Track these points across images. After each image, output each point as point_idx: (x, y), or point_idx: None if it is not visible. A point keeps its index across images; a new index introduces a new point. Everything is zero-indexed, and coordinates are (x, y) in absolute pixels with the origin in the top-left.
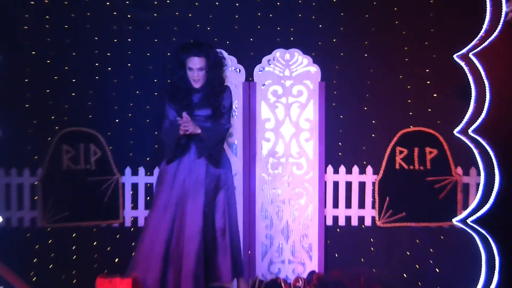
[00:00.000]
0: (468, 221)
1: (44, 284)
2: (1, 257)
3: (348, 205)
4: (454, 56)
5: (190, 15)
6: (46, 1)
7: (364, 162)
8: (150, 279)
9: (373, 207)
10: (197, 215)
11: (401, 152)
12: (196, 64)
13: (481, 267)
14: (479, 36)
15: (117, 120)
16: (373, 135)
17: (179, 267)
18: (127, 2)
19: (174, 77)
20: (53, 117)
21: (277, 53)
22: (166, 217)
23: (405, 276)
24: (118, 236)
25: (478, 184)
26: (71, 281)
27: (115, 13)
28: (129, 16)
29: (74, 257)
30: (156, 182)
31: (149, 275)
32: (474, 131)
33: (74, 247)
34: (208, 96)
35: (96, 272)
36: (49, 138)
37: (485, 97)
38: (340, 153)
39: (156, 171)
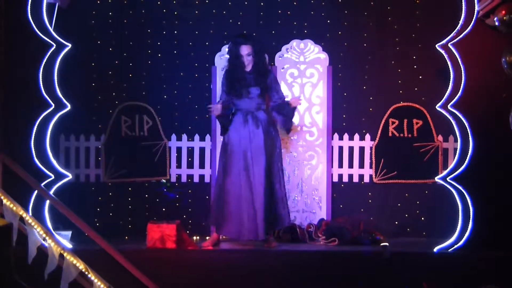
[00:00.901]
0: (448, 179)
1: (106, 229)
2: (72, 206)
3: (351, 165)
4: (436, 45)
5: (224, 12)
6: (109, 0)
7: (364, 131)
8: (233, 227)
9: (371, 167)
10: (261, 176)
11: (393, 123)
12: (244, 51)
13: (459, 216)
14: (456, 29)
15: (165, 96)
16: (370, 109)
17: (254, 216)
18: (174, 2)
19: (231, 62)
20: (114, 93)
21: (294, 42)
22: (241, 180)
23: (396, 223)
24: (165, 189)
25: (455, 149)
26: (127, 226)
27: (164, 10)
28: (175, 13)
29: (129, 207)
30: (222, 151)
31: (231, 224)
32: (452, 106)
33: (129, 198)
34: (256, 77)
35: (147, 219)
36: (110, 111)
37: (461, 79)
38: (344, 124)
39: (196, 137)
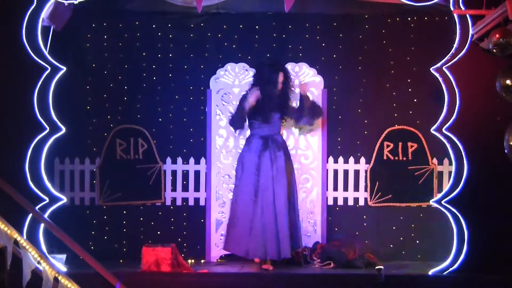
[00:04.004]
0: (442, 202)
1: (101, 252)
2: (66, 229)
3: (346, 188)
4: (431, 69)
5: (219, 35)
6: (105, 24)
7: (358, 154)
8: (254, 246)
9: (366, 190)
10: (284, 196)
11: (388, 146)
12: (280, 78)
13: (453, 239)
14: (450, 53)
15: (160, 119)
16: (365, 132)
17: (276, 233)
18: (169, 25)
19: (265, 87)
20: (109, 116)
21: (289, 66)
22: (258, 199)
23: (391, 246)
24: (160, 213)
25: (450, 172)
26: (122, 249)
27: (159, 33)
28: (170, 36)
29: (124, 230)
30: (240, 170)
31: (252, 243)
32: (447, 129)
33: (124, 221)
34: (282, 103)
35: (142, 242)
36: (105, 134)
37: (456, 102)
38: (339, 147)
39: (191, 160)
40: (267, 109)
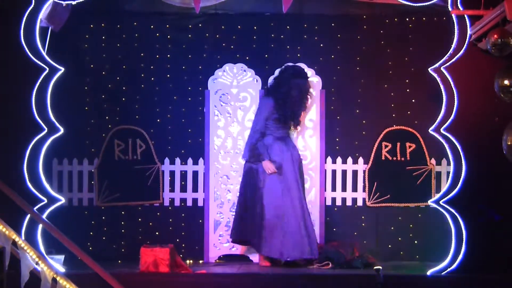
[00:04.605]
0: (441, 202)
1: (99, 253)
2: (64, 230)
3: (344, 189)
4: (429, 69)
5: (217, 36)
6: (103, 24)
7: (357, 154)
8: (289, 247)
9: (364, 190)
10: (304, 194)
11: (386, 146)
12: (307, 86)
13: (452, 239)
14: (448, 53)
15: (158, 120)
16: (363, 132)
17: (307, 233)
18: (167, 26)
19: (294, 94)
20: (107, 117)
21: None
22: (286, 200)
23: (389, 246)
24: (158, 213)
25: (448, 172)
26: (121, 250)
27: (157, 34)
28: (168, 36)
29: (122, 231)
30: (261, 174)
31: (287, 244)
32: (445, 129)
33: (123, 222)
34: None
35: (140, 243)
36: (103, 134)
37: (454, 102)
38: (337, 147)
39: (190, 161)
40: (292, 115)
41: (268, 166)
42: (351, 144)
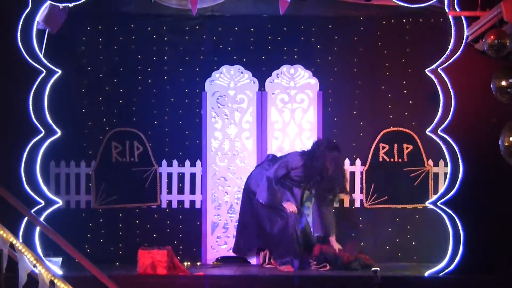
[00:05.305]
0: (438, 203)
1: (97, 255)
2: (62, 232)
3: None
4: (426, 70)
5: (214, 38)
6: (100, 27)
7: (354, 156)
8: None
9: (361, 191)
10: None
11: (383, 147)
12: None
13: (449, 240)
14: (445, 54)
15: (155, 122)
16: (361, 134)
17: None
18: (164, 28)
19: (326, 167)
20: (104, 119)
21: (284, 68)
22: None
23: (387, 247)
24: (156, 215)
25: (445, 173)
26: (118, 252)
27: (154, 36)
28: (165, 39)
29: (120, 233)
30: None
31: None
32: (442, 130)
33: (120, 224)
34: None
35: (138, 245)
36: (101, 137)
37: (451, 104)
38: None
39: (187, 163)
40: (315, 180)
41: (291, 206)
42: (348, 145)
